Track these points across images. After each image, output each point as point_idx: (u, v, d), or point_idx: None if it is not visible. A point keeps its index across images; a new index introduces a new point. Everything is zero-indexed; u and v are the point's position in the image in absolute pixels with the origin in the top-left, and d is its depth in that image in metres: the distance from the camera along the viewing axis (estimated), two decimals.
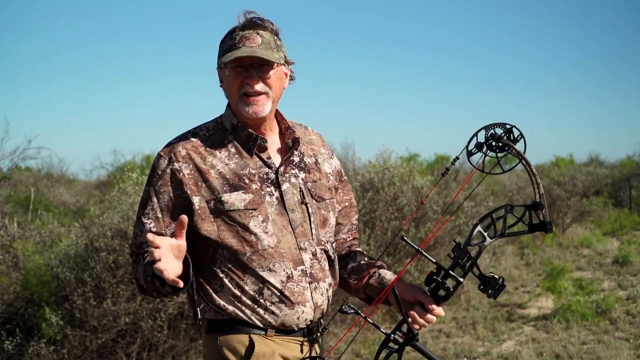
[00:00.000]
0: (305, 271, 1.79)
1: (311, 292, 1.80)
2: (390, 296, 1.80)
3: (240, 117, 1.82)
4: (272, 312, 1.76)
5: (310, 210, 1.84)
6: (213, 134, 1.82)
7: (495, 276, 1.67)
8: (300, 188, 1.84)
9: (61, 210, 10.10)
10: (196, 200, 1.73)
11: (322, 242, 1.87)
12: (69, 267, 4.96)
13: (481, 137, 1.69)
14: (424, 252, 1.71)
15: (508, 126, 1.67)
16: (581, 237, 11.39)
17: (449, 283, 1.71)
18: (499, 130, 1.67)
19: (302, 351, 1.82)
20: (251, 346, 1.74)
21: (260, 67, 1.75)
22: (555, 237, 11.27)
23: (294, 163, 1.87)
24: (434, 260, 1.71)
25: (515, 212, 1.68)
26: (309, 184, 1.88)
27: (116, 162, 16.08)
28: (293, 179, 1.84)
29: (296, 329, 1.80)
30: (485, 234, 1.68)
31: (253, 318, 1.75)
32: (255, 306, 1.75)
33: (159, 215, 1.75)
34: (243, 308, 1.75)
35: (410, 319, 1.75)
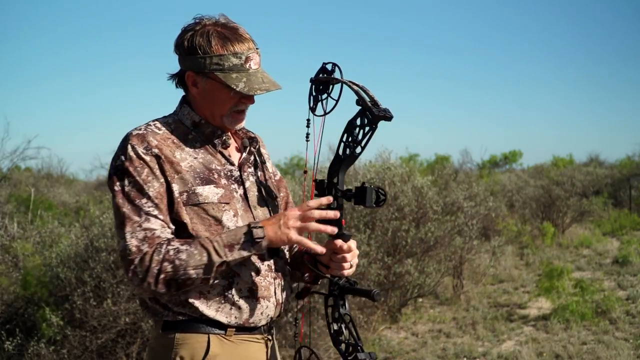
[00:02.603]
0: (271, 266, 1.82)
1: (275, 288, 1.82)
2: (311, 266, 1.86)
3: (211, 120, 1.83)
4: (239, 308, 1.75)
5: (269, 209, 1.89)
6: (175, 129, 1.81)
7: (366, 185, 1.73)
8: (258, 186, 1.88)
9: (61, 211, 10.10)
10: (175, 188, 1.72)
11: None
12: (69, 267, 4.96)
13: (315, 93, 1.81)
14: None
15: (328, 66, 1.78)
16: (581, 237, 11.39)
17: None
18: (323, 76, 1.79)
19: (266, 351, 1.83)
20: (208, 348, 1.72)
21: None
22: (555, 237, 11.28)
23: (250, 161, 1.90)
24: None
25: (358, 123, 1.72)
26: (263, 182, 1.91)
27: None
28: (252, 178, 1.88)
29: (258, 325, 1.80)
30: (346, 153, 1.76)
31: (218, 315, 1.73)
32: (223, 301, 1.74)
33: (157, 202, 1.69)
34: (210, 304, 1.73)
35: (330, 269, 1.81)
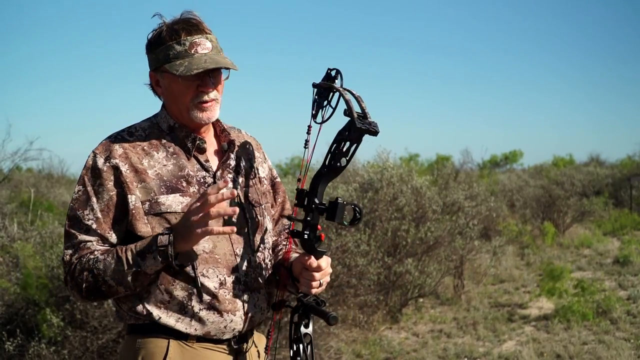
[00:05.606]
0: (240, 279, 1.75)
1: (244, 302, 1.75)
2: (286, 279, 1.81)
3: (182, 120, 1.78)
4: (200, 320, 1.70)
5: (247, 216, 1.81)
6: (149, 134, 1.78)
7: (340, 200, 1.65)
8: (237, 193, 1.79)
9: (62, 211, 10.10)
10: (132, 199, 1.68)
11: (260, 249, 1.83)
12: None
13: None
14: (294, 217, 1.76)
15: (332, 73, 1.72)
16: (581, 237, 11.39)
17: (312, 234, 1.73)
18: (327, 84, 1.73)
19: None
20: (167, 353, 1.70)
21: (213, 74, 1.73)
22: (556, 237, 11.27)
23: (231, 167, 1.83)
24: (299, 219, 1.73)
25: (346, 134, 1.64)
26: (245, 188, 1.84)
27: None
28: (230, 184, 1.80)
29: (222, 338, 1.74)
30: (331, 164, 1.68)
31: (178, 325, 1.69)
32: (183, 313, 1.70)
33: (99, 216, 1.68)
34: (169, 314, 1.69)
35: (299, 285, 1.75)
